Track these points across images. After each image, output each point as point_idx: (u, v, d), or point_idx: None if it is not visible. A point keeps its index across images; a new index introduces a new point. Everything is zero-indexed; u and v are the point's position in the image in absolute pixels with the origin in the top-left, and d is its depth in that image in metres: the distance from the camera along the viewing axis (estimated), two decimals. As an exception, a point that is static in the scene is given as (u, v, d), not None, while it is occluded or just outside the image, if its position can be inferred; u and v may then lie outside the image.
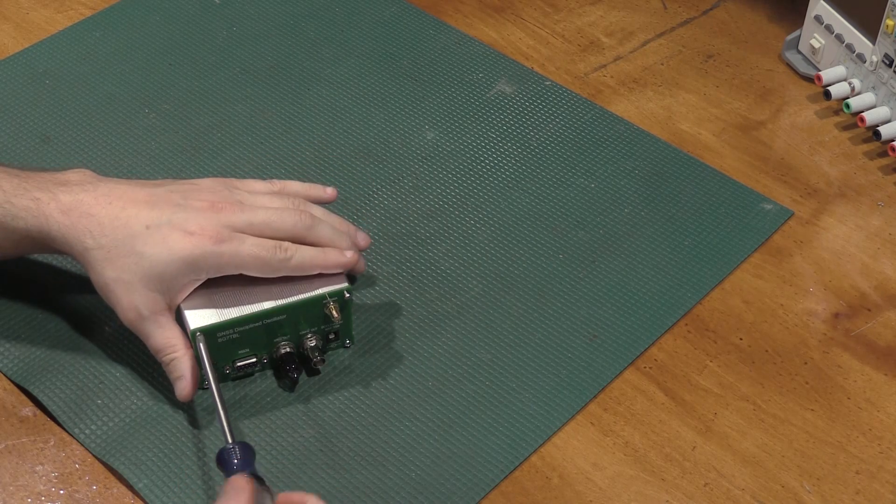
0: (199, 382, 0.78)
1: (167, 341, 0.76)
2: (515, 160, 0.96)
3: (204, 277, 0.76)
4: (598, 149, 0.97)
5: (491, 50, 1.06)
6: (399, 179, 0.94)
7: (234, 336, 0.77)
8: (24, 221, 0.75)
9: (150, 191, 0.77)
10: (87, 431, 0.77)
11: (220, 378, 0.79)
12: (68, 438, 0.77)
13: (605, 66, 1.05)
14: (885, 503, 0.74)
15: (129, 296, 0.75)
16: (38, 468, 0.75)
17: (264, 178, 0.84)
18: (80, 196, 0.76)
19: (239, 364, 0.78)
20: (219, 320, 0.76)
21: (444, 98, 1.01)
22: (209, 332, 0.76)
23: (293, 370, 0.78)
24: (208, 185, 0.79)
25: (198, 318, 0.76)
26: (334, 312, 0.78)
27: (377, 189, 0.93)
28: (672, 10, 1.12)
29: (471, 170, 0.95)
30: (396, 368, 0.81)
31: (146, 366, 0.80)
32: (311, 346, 0.79)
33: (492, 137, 0.98)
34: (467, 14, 1.11)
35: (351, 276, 0.82)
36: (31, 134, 0.97)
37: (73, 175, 0.78)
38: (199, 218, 0.75)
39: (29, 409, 0.78)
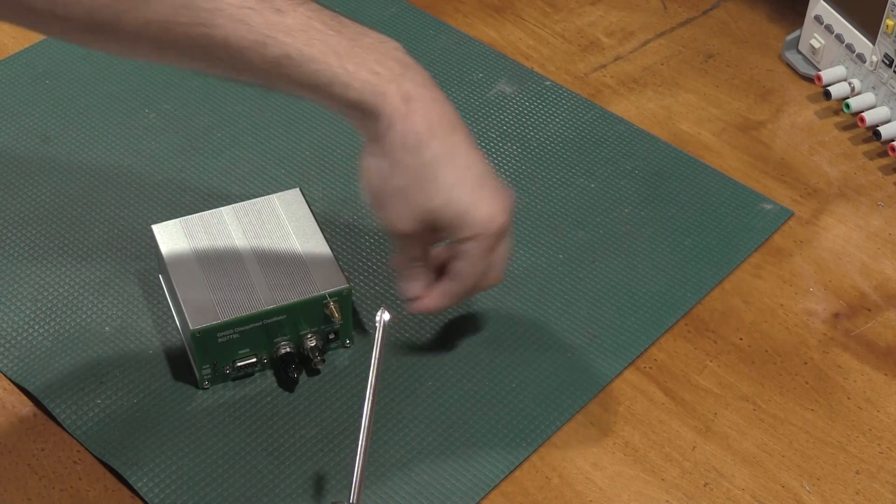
0: (201, 381, 0.78)
1: (421, 254, 0.75)
2: (515, 160, 0.96)
3: (439, 237, 0.74)
4: (598, 149, 0.97)
5: (491, 50, 1.06)
6: (399, 179, 0.94)
7: (235, 336, 0.77)
8: (358, 93, 0.69)
9: (468, 132, 0.73)
10: (87, 431, 0.77)
11: (221, 378, 0.79)
12: (68, 438, 0.77)
13: (605, 66, 1.05)
14: (885, 503, 0.74)
15: (404, 212, 0.71)
16: (39, 468, 0.75)
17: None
18: (423, 91, 0.71)
19: (239, 364, 0.78)
20: (219, 320, 0.76)
21: (444, 98, 1.01)
22: (209, 332, 0.76)
23: (293, 370, 0.78)
24: None
25: (198, 318, 0.76)
26: (334, 312, 0.78)
27: (377, 189, 0.93)
28: (672, 10, 1.12)
29: (471, 170, 0.95)
30: (396, 368, 0.81)
31: (146, 366, 0.80)
32: (311, 346, 0.79)
33: (492, 137, 0.98)
34: (467, 14, 1.11)
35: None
36: (31, 134, 0.97)
37: (403, 55, 0.72)
38: (497, 215, 0.72)
39: (29, 409, 0.78)
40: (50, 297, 0.85)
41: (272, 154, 0.96)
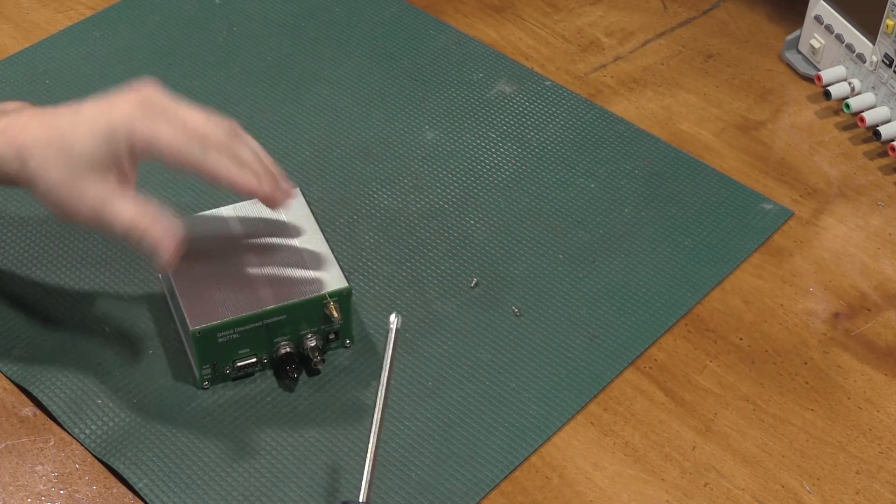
0: (201, 381, 0.79)
1: (132, 216, 0.73)
2: (515, 160, 0.96)
3: (125, 151, 0.72)
4: (598, 149, 0.97)
5: (491, 50, 1.06)
6: (399, 179, 0.94)
7: (235, 336, 0.77)
8: None
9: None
10: (87, 431, 0.77)
11: (221, 378, 0.79)
12: (68, 438, 0.77)
13: (605, 66, 1.06)
14: (885, 503, 0.74)
15: (76, 191, 0.72)
16: (38, 468, 0.75)
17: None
18: (13, 119, 0.73)
19: (239, 364, 0.78)
20: (219, 320, 0.76)
21: (444, 98, 1.01)
22: (209, 332, 0.76)
23: (293, 370, 0.78)
24: None
25: (198, 317, 0.76)
26: (334, 312, 0.78)
27: (377, 189, 0.93)
28: (672, 10, 1.12)
29: (471, 170, 0.95)
30: (396, 368, 0.81)
31: (146, 366, 0.80)
32: (311, 346, 0.79)
33: (492, 137, 0.98)
34: (467, 14, 1.11)
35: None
36: (31, 134, 0.97)
37: (10, 104, 0.77)
38: (126, 96, 0.73)
39: (29, 409, 0.78)
40: (50, 298, 0.85)
41: (272, 154, 0.95)
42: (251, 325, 0.77)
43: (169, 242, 0.73)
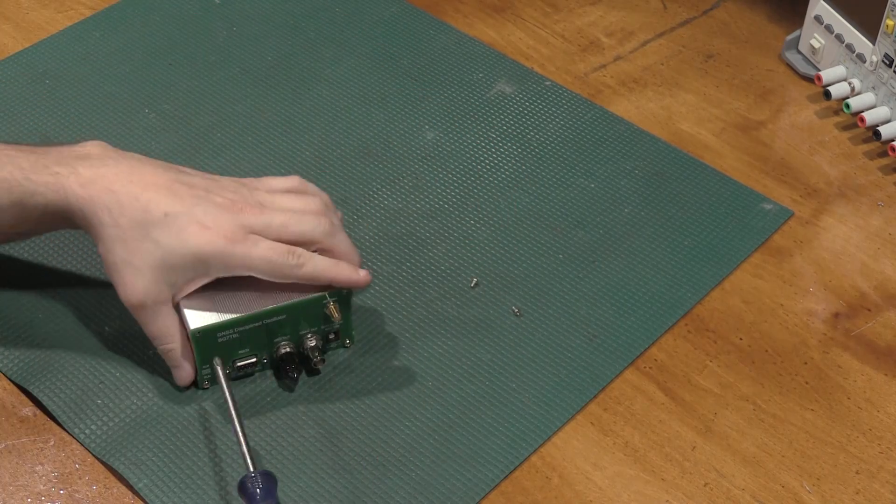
0: (201, 381, 0.79)
1: (166, 330, 0.76)
2: (515, 160, 0.96)
3: (213, 275, 0.75)
4: (598, 149, 0.97)
5: (491, 50, 1.06)
6: (399, 179, 0.94)
7: (234, 336, 0.77)
8: (44, 197, 0.74)
9: (172, 176, 0.76)
10: (87, 431, 0.77)
11: (221, 378, 0.79)
12: (68, 438, 0.77)
13: (605, 66, 1.06)
14: (885, 503, 0.74)
15: (135, 280, 0.74)
16: (38, 468, 0.75)
17: (283, 175, 0.83)
18: (100, 170, 0.75)
19: (239, 364, 0.78)
20: (219, 320, 0.76)
21: (444, 98, 1.01)
22: (209, 332, 0.76)
23: (293, 370, 0.78)
24: (229, 184, 0.78)
25: (198, 318, 0.76)
26: (334, 312, 0.78)
27: (377, 189, 0.93)
28: (672, 10, 1.12)
29: (471, 170, 0.95)
30: (396, 368, 0.81)
31: (146, 366, 0.80)
32: (311, 346, 0.79)
33: (492, 137, 0.98)
34: (467, 14, 1.11)
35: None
36: (31, 134, 0.97)
37: (93, 148, 0.77)
38: (217, 215, 0.74)
39: (29, 409, 0.78)
40: (50, 297, 0.85)
41: (272, 154, 0.96)
42: (251, 325, 0.77)
43: (189, 367, 0.78)
